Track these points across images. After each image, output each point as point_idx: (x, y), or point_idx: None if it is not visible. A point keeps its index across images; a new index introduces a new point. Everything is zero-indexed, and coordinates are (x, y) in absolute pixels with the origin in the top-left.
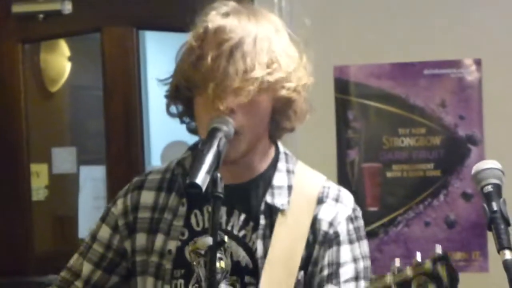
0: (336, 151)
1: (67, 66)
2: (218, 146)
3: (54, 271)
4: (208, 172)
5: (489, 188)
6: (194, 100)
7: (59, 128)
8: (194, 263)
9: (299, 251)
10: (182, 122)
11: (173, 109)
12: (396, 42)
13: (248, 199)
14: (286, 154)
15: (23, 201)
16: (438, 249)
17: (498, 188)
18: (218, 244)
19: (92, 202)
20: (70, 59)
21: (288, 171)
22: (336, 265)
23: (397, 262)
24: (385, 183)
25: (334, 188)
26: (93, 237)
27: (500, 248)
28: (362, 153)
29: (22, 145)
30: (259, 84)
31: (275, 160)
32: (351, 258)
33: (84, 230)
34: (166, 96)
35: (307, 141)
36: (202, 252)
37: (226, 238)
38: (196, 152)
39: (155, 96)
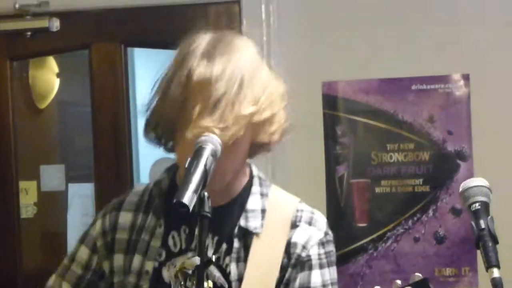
0: (324, 167)
1: (55, 82)
2: (205, 165)
3: None
4: (195, 191)
5: (476, 205)
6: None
7: (47, 145)
8: (173, 284)
9: (274, 274)
10: (160, 146)
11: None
12: (384, 57)
13: (222, 222)
14: (259, 178)
15: (12, 218)
16: (418, 277)
17: (485, 205)
18: (206, 264)
19: (80, 219)
20: (58, 75)
21: (262, 194)
22: None
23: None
24: (374, 199)
25: (307, 211)
26: (72, 258)
27: (488, 266)
28: (350, 168)
29: (10, 162)
30: (239, 128)
31: (249, 183)
32: (320, 283)
33: (72, 247)
34: (145, 125)
35: (296, 157)
36: (190, 271)
37: (214, 258)
38: (171, 174)
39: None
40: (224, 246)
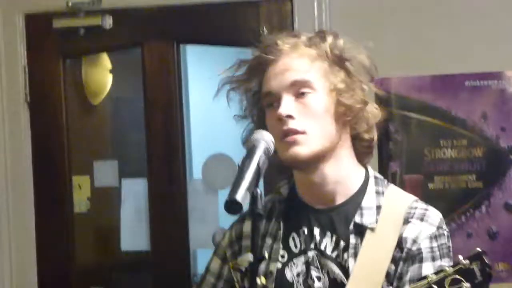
0: (377, 163)
1: (109, 79)
2: (258, 163)
3: (97, 283)
4: (248, 189)
5: None
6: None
7: (101, 141)
8: (296, 282)
9: (384, 267)
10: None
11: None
12: (437, 54)
13: (339, 221)
14: (376, 177)
15: (66, 213)
16: (477, 249)
17: None
18: (258, 261)
19: (133, 215)
20: (111, 71)
21: (378, 193)
22: (418, 281)
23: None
24: (427, 195)
25: (421, 208)
26: (207, 269)
27: None
28: (403, 165)
29: (64, 157)
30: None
31: (365, 183)
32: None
33: (126, 242)
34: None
35: None
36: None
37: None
38: (291, 181)
39: (196, 110)
40: (342, 243)
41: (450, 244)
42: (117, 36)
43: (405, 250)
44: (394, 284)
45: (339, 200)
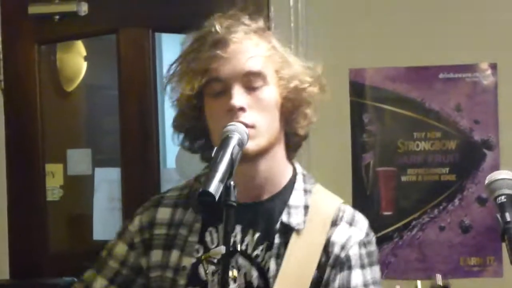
0: (351, 155)
1: (83, 66)
2: (232, 154)
3: (69, 272)
4: (221, 180)
5: (502, 198)
6: (205, 108)
7: (74, 128)
8: (210, 280)
9: (310, 272)
10: (196, 150)
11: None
12: (412, 45)
13: (264, 217)
14: (304, 174)
15: (38, 201)
16: (439, 280)
17: (511, 198)
18: (231, 253)
19: (107, 204)
20: (86, 58)
21: (305, 191)
22: None
23: None
24: (400, 187)
25: (349, 212)
26: (109, 253)
27: None
28: (377, 157)
29: (38, 144)
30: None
31: (293, 179)
32: (361, 283)
33: (98, 231)
34: (175, 120)
35: (321, 145)
36: (215, 260)
37: (239, 247)
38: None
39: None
40: (265, 242)
41: (377, 250)
42: (92, 23)
43: (333, 255)
44: None
45: (265, 195)
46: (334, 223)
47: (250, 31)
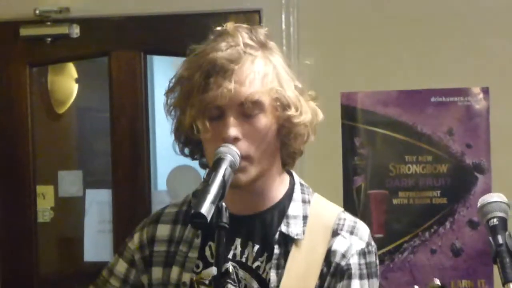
0: (342, 178)
1: (74, 88)
2: (224, 176)
3: None
4: (213, 202)
5: (494, 221)
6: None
7: (65, 150)
8: None
9: (312, 282)
10: (194, 158)
11: (185, 150)
12: (404, 69)
13: (263, 229)
14: (301, 184)
15: (29, 222)
16: (437, 281)
17: (503, 221)
18: (222, 275)
19: (97, 226)
20: (77, 80)
21: (304, 201)
22: None
23: None
24: (391, 210)
25: (350, 220)
26: (110, 271)
27: (505, 281)
28: (368, 179)
29: (28, 166)
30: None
31: (291, 190)
32: None
33: (89, 252)
34: (175, 139)
35: (313, 167)
36: (206, 282)
37: (230, 269)
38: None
39: (162, 120)
40: (265, 254)
41: (378, 262)
42: (85, 45)
43: (333, 264)
44: None
45: (263, 207)
46: (335, 233)
47: (251, 51)
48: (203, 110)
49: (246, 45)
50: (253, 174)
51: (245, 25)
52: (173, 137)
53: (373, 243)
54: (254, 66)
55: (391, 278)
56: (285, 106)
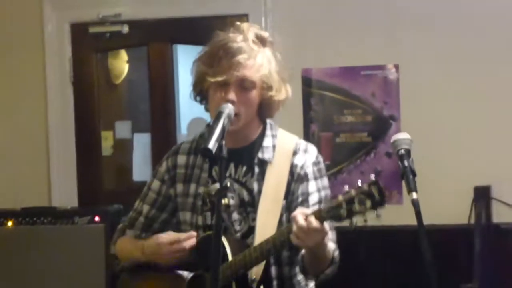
0: (303, 125)
1: (126, 67)
2: (223, 123)
3: (117, 202)
4: (216, 140)
5: (402, 151)
6: (209, 92)
7: (120, 107)
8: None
9: (283, 188)
10: (202, 104)
11: (197, 97)
12: (343, 52)
13: (247, 156)
14: (271, 124)
15: (96, 156)
16: (372, 177)
17: (408, 151)
18: (223, 189)
19: (142, 158)
20: (127, 62)
21: (273, 136)
22: (306, 194)
23: (346, 187)
24: (335, 146)
25: (303, 144)
26: (148, 187)
27: (409, 191)
28: (319, 126)
29: (96, 119)
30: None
31: (264, 129)
32: (316, 189)
33: (136, 176)
34: (192, 90)
35: (283, 119)
36: (212, 193)
37: (228, 184)
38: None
39: (184, 89)
40: (249, 172)
41: (324, 167)
42: (131, 38)
43: (296, 174)
44: (289, 198)
45: (247, 142)
46: (295, 153)
47: (255, 46)
48: (216, 79)
49: (253, 41)
50: (240, 125)
51: (256, 25)
52: (191, 93)
53: (320, 156)
54: (255, 57)
55: (333, 190)
56: (269, 88)
